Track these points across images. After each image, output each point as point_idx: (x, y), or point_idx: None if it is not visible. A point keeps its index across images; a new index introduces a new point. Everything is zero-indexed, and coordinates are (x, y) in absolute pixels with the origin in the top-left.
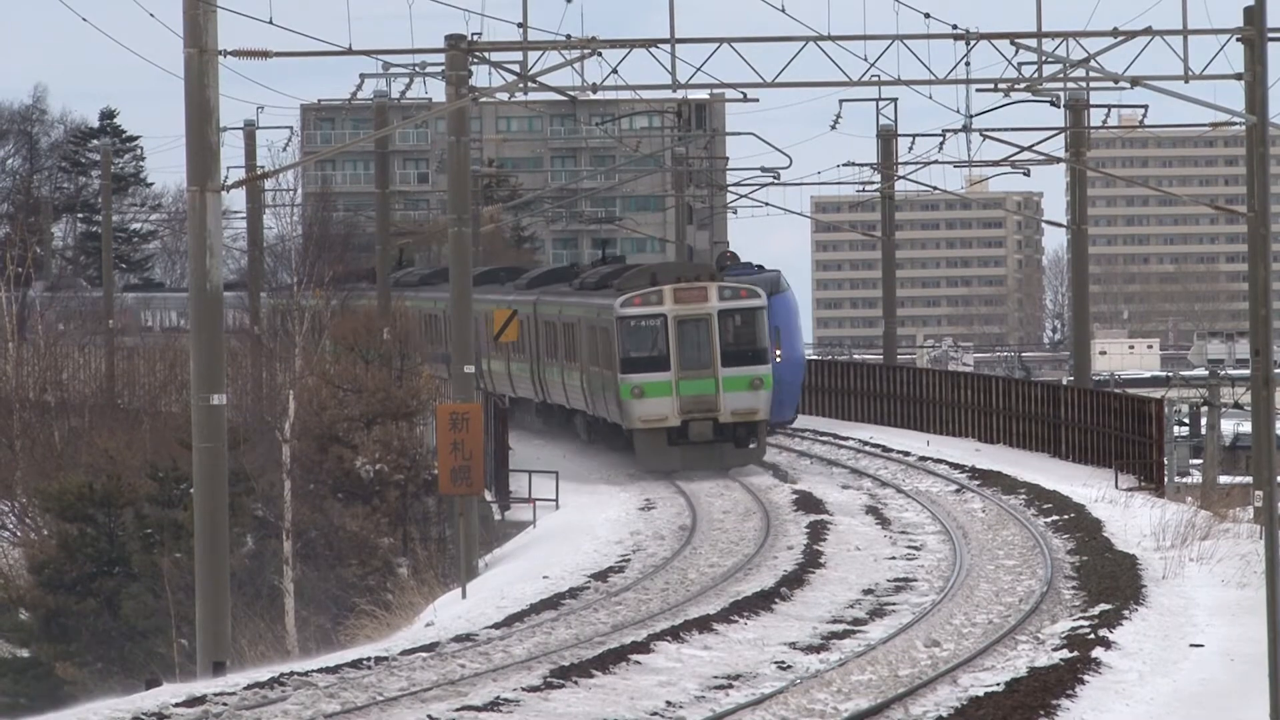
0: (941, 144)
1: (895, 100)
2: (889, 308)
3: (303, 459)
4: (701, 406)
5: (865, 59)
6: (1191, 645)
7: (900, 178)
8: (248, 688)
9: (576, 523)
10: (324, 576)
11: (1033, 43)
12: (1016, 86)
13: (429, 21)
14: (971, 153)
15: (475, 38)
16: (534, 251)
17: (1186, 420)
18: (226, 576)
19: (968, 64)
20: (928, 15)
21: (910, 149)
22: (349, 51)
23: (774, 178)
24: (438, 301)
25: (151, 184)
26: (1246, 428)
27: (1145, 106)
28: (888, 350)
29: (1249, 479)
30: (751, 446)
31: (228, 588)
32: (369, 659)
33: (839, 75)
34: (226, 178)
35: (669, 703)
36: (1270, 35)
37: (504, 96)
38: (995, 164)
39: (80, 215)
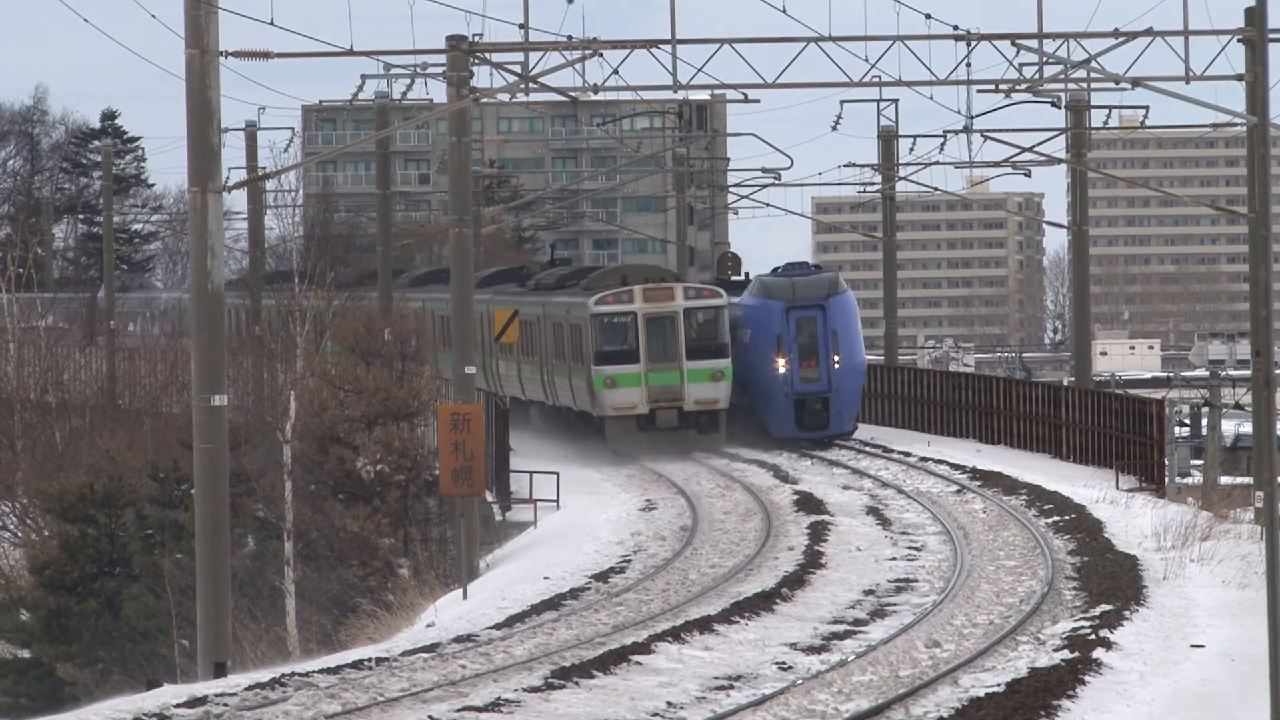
0: (942, 145)
1: (896, 101)
2: (890, 308)
3: (304, 460)
4: (668, 396)
5: (866, 60)
6: (1192, 646)
7: (901, 178)
8: (249, 688)
9: (577, 523)
10: (325, 577)
11: (1034, 43)
12: (1017, 87)
13: (430, 22)
14: (972, 153)
15: (476, 39)
16: (535, 252)
17: (1187, 421)
18: (227, 577)
19: (968, 65)
20: (928, 16)
21: (911, 150)
22: (350, 52)
23: (775, 178)
24: (425, 302)
25: (153, 185)
26: (1247, 428)
27: (1146, 107)
28: (889, 351)
29: (1250, 480)
30: (714, 433)
31: (229, 588)
32: (370, 660)
33: (840, 76)
34: (228, 179)
35: (670, 703)
36: (1271, 36)
37: (505, 97)
38: (996, 165)
39: (81, 216)
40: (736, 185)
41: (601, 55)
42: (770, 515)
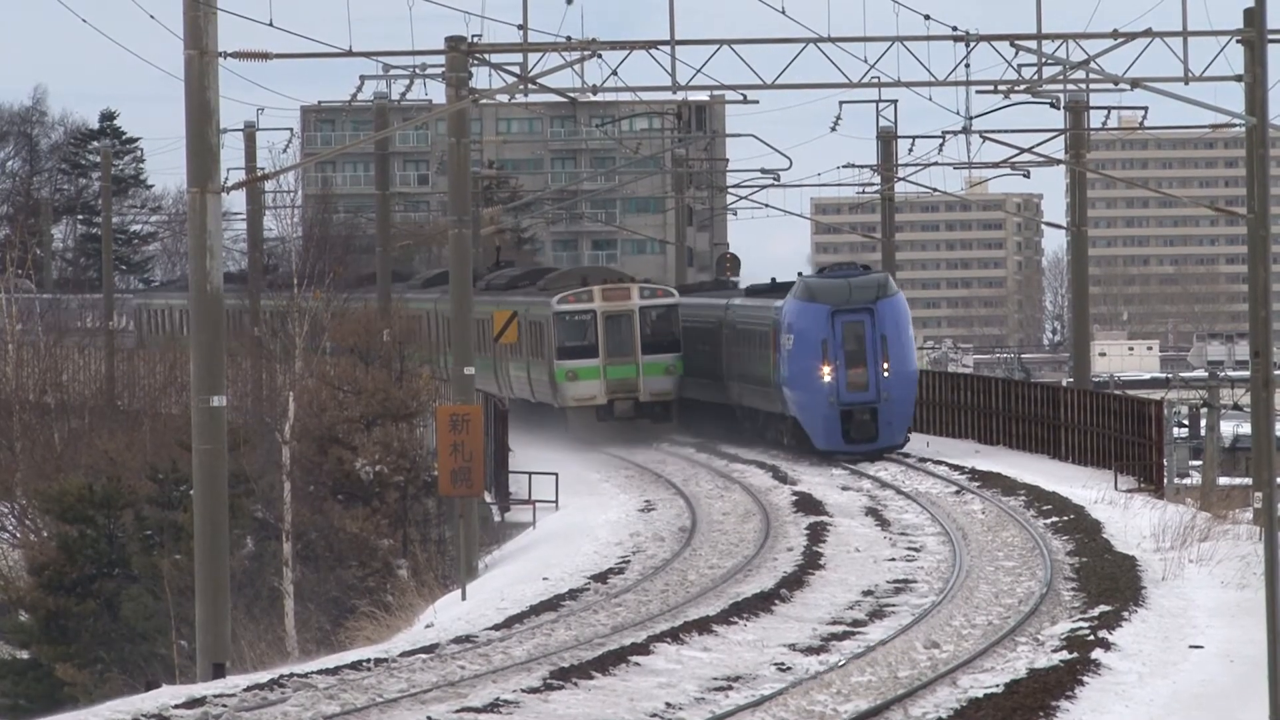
0: (941, 145)
1: (895, 102)
2: None
3: (302, 460)
4: (625, 388)
5: (865, 61)
6: (1191, 647)
7: (900, 179)
8: (247, 689)
9: (576, 524)
10: (324, 578)
11: (1032, 44)
12: (1016, 88)
13: (429, 23)
14: (971, 154)
15: (475, 39)
16: (534, 253)
17: (1186, 422)
18: (226, 578)
19: (967, 66)
20: (927, 17)
21: (910, 151)
22: (349, 53)
23: (774, 179)
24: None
25: (151, 185)
26: (1246, 429)
27: (1145, 108)
28: None
29: (1248, 480)
30: (666, 422)
31: (227, 589)
32: (369, 660)
33: (839, 77)
34: (227, 179)
35: (668, 704)
36: (1270, 37)
37: (504, 98)
38: (995, 165)
39: (80, 217)
40: (735, 186)
41: (600, 56)
42: (769, 516)
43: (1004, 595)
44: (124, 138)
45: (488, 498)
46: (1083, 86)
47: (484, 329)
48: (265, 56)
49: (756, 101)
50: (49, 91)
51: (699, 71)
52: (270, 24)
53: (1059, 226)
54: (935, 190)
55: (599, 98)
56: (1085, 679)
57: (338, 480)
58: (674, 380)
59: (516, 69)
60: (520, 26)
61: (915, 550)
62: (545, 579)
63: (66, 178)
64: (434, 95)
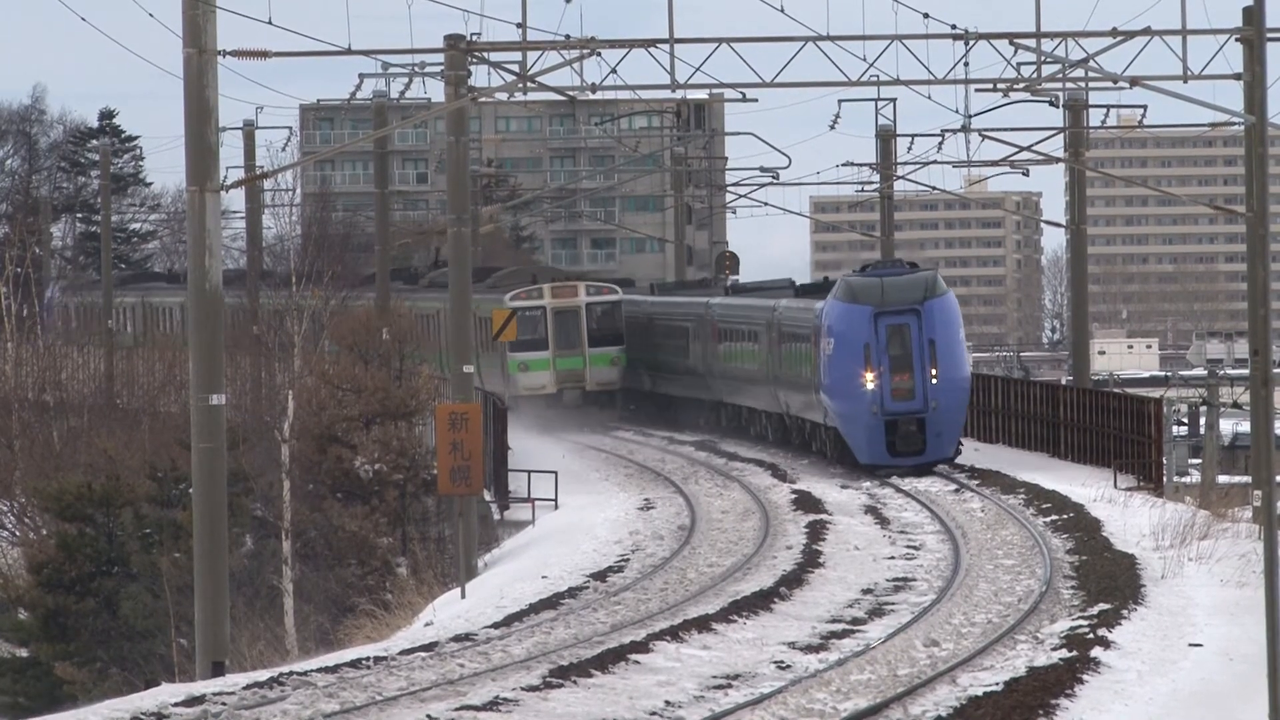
0: (940, 144)
1: (894, 100)
2: None
3: (302, 459)
4: (572, 378)
5: (864, 59)
6: (1190, 645)
7: (899, 178)
8: (247, 687)
9: (575, 523)
10: (323, 576)
11: (1032, 43)
12: (1015, 86)
13: (428, 22)
14: (970, 153)
15: (474, 38)
16: (533, 252)
17: (1185, 420)
18: (225, 576)
19: (966, 64)
20: (926, 15)
21: (909, 149)
22: (348, 52)
23: (773, 178)
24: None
25: (150, 184)
26: (1245, 427)
27: (1144, 106)
28: None
29: (1248, 479)
30: (611, 409)
31: (227, 588)
32: (368, 659)
33: (838, 75)
34: (226, 178)
35: (668, 702)
36: (1269, 35)
37: (503, 96)
38: (994, 164)
39: (79, 215)
40: (735, 184)
41: (599, 54)
42: (768, 514)
43: (1003, 593)
44: (123, 136)
45: (487, 496)
46: (1082, 85)
47: (429, 324)
48: (264, 55)
49: (755, 100)
50: (48, 90)
51: (698, 70)
52: (269, 22)
53: (1058, 225)
54: (934, 189)
55: (598, 96)
56: (1085, 677)
57: (337, 479)
58: (618, 370)
59: (515, 67)
60: (519, 25)
61: (915, 548)
62: (544, 577)
63: (65, 176)
64: (433, 94)
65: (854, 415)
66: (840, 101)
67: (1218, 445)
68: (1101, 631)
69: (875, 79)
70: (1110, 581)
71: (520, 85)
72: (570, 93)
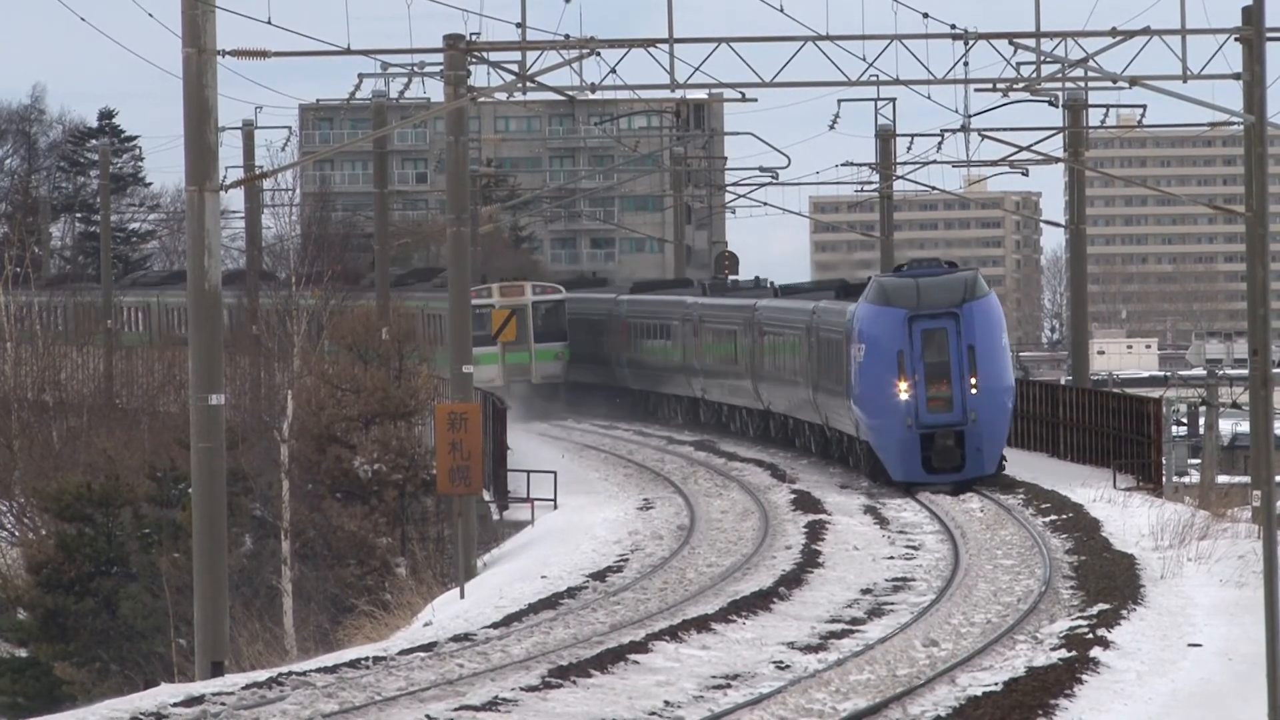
0: (940, 144)
1: (894, 100)
2: None
3: (301, 459)
4: (520, 372)
5: (864, 59)
6: (1190, 645)
7: (899, 178)
8: (246, 687)
9: (575, 523)
10: (322, 576)
11: (1031, 43)
12: (1015, 86)
13: (427, 21)
14: (970, 153)
15: (474, 37)
16: (532, 252)
17: (1185, 420)
18: (225, 576)
19: (966, 64)
20: (926, 15)
21: (909, 149)
22: (347, 51)
23: (772, 177)
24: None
25: (150, 184)
26: (1244, 427)
27: (1143, 106)
28: None
29: (1247, 479)
30: (556, 401)
31: (226, 588)
32: (367, 659)
33: (837, 75)
34: (225, 178)
35: (667, 702)
36: (1269, 35)
37: (502, 96)
38: (994, 164)
39: (79, 215)
40: (734, 184)
41: (599, 54)
42: (768, 514)
43: (1003, 593)
44: (122, 136)
45: (486, 496)
46: (1081, 85)
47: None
48: (264, 55)
49: (755, 100)
50: (47, 90)
51: (697, 70)
52: (269, 22)
53: (1057, 225)
54: (934, 188)
55: (597, 96)
56: (1084, 677)
57: (336, 479)
58: (562, 365)
59: (515, 67)
60: (518, 25)
61: (914, 548)
62: (544, 577)
63: (65, 176)
64: (432, 93)
65: (886, 428)
66: (840, 101)
67: (1217, 445)
68: (1101, 631)
69: (875, 79)
70: (1109, 581)
71: (520, 85)
72: (569, 92)
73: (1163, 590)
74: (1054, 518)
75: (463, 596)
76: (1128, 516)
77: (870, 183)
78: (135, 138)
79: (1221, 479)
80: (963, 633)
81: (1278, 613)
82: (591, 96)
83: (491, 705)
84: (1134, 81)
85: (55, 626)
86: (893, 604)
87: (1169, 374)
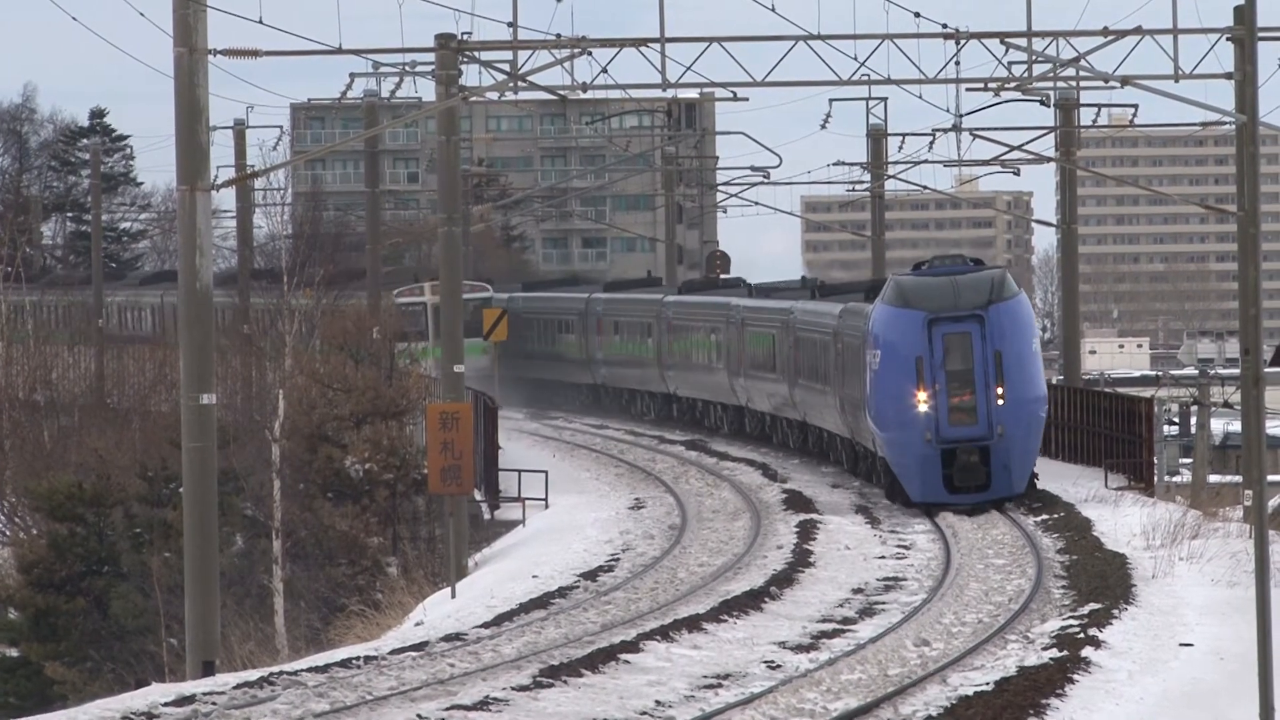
0: (931, 143)
1: (885, 99)
2: None
3: (292, 458)
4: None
5: (855, 58)
6: (1181, 644)
7: (890, 177)
8: (237, 687)
9: (566, 522)
10: (313, 576)
11: (1023, 42)
12: (1006, 86)
13: (419, 21)
14: (961, 152)
15: (465, 37)
16: (524, 251)
17: (1176, 419)
18: (216, 576)
19: (958, 63)
20: (918, 14)
21: (900, 148)
22: (339, 51)
23: (764, 177)
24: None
25: (141, 183)
26: (1236, 427)
27: (1135, 106)
28: None
29: (1239, 478)
30: (488, 394)
31: (217, 587)
32: (358, 658)
33: (829, 74)
34: (216, 177)
35: (658, 702)
36: (1260, 35)
37: (494, 96)
38: (985, 163)
39: (70, 214)
40: (725, 184)
41: (590, 54)
42: (759, 514)
43: (994, 593)
44: (114, 135)
45: (477, 496)
46: (1073, 84)
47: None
48: (255, 54)
49: (746, 99)
50: (39, 89)
51: (689, 69)
52: (260, 21)
53: (1049, 224)
54: (925, 188)
55: (589, 95)
56: (1075, 677)
57: (327, 478)
58: (489, 358)
59: (506, 66)
60: (510, 24)
61: (905, 548)
62: (535, 577)
63: (56, 175)
64: (424, 93)
65: (903, 443)
66: (831, 101)
67: (1209, 445)
68: (1092, 631)
69: (866, 78)
70: (1101, 581)
71: (511, 84)
72: (561, 92)
73: (1154, 590)
74: (1045, 517)
75: (454, 596)
76: (1119, 516)
77: (862, 182)
78: (126, 137)
79: (1213, 478)
80: (954, 632)
81: (1269, 612)
82: (583, 96)
83: (483, 705)
84: (1126, 81)
85: (46, 626)
86: (884, 603)
87: (1161, 373)
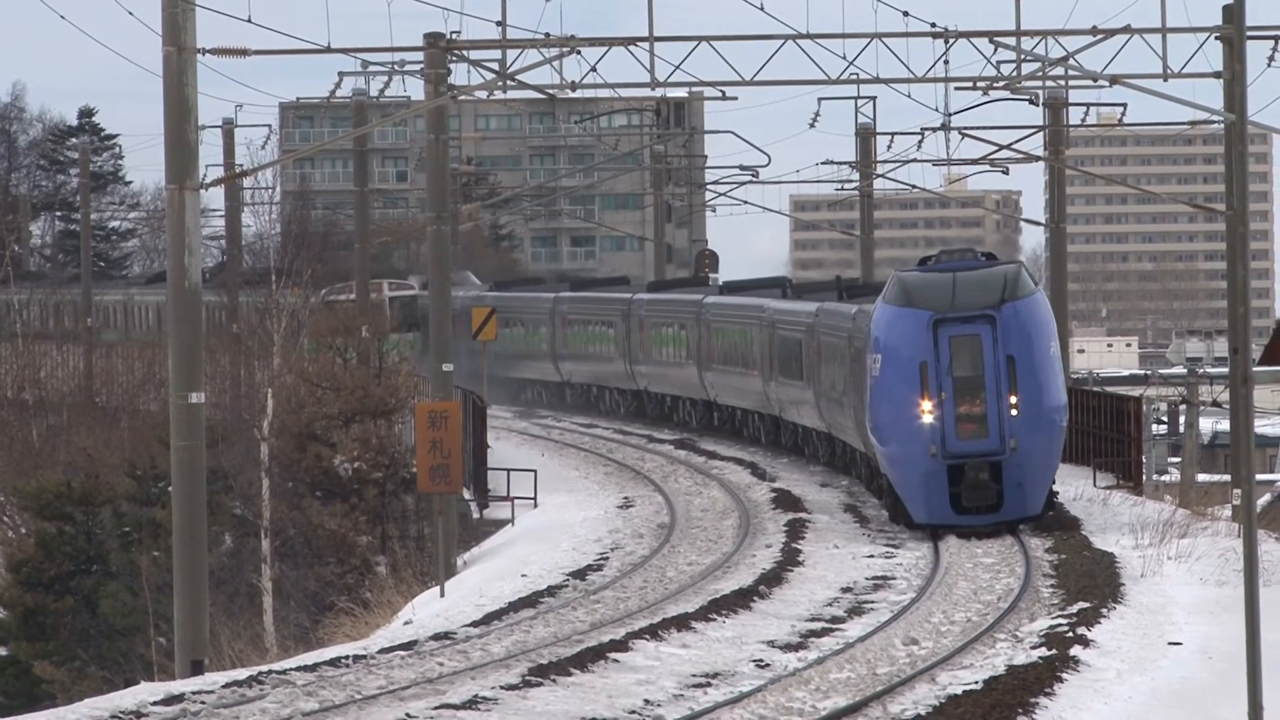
0: (920, 142)
1: (874, 98)
2: None
3: (281, 457)
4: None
5: (844, 57)
6: (1170, 643)
7: (879, 176)
8: (226, 686)
9: (555, 521)
10: (302, 575)
11: (1011, 41)
12: (995, 85)
13: (408, 20)
14: (950, 151)
15: (454, 36)
16: (512, 250)
17: (1165, 418)
18: (205, 575)
19: (946, 62)
20: (906, 13)
21: (889, 147)
22: (328, 50)
23: (753, 176)
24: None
25: (130, 182)
26: (1225, 426)
27: (1124, 105)
28: None
29: (1227, 477)
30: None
31: (206, 586)
32: (347, 657)
33: (818, 73)
34: (205, 176)
35: (647, 701)
36: (1249, 34)
37: (483, 95)
38: (974, 162)
39: (59, 213)
40: (714, 183)
41: (579, 53)
42: (748, 513)
43: (983, 592)
44: (102, 134)
45: (466, 494)
46: (1062, 83)
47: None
48: (244, 53)
49: (735, 98)
50: (27, 88)
51: (678, 68)
52: (249, 20)
53: (1038, 223)
54: (914, 187)
55: (578, 94)
56: (1064, 676)
57: (316, 477)
58: (415, 354)
59: (495, 65)
60: (499, 23)
61: (894, 547)
62: (524, 576)
63: (45, 174)
64: (413, 92)
65: (906, 457)
66: (820, 100)
67: (1197, 444)
68: (1081, 630)
69: (855, 77)
70: (1090, 580)
71: (500, 83)
72: (550, 91)
73: (1143, 589)
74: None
75: (443, 595)
76: (1108, 515)
77: (850, 181)
78: (115, 136)
79: (1202, 477)
80: (943, 631)
81: (1258, 611)
82: (572, 95)
83: (471, 704)
84: (1114, 80)
85: (35, 625)
86: (873, 602)
87: (1149, 372)
